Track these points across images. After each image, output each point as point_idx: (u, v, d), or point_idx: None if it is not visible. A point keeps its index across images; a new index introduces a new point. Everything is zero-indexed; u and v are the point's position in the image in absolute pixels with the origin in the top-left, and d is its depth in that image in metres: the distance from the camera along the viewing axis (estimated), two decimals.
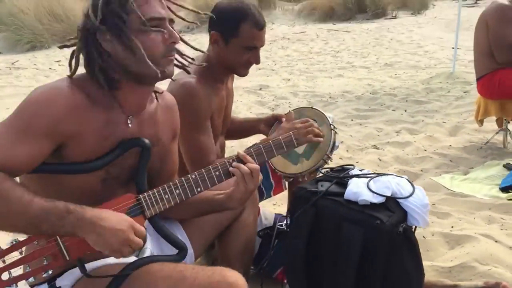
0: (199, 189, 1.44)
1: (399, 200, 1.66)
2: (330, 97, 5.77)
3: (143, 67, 1.31)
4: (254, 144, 1.62)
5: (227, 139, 2.38)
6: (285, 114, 2.17)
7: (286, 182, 2.41)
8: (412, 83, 6.30)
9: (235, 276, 1.36)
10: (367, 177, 1.75)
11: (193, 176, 1.43)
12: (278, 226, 2.08)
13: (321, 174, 1.92)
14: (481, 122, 3.93)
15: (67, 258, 1.26)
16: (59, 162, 1.30)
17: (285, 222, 2.10)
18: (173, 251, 1.49)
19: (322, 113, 2.12)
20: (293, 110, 2.18)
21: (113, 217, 1.24)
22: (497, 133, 3.92)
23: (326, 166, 2.09)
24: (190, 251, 1.71)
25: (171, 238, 1.48)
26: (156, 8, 1.32)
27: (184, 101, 1.90)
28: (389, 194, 1.65)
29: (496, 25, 3.48)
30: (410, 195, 1.66)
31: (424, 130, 4.38)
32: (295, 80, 6.82)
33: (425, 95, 5.64)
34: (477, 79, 3.78)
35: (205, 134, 1.98)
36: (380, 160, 3.68)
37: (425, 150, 3.88)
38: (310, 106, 2.20)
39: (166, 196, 1.40)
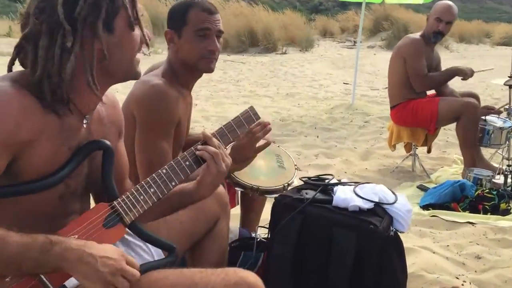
0: (173, 183, 1.36)
1: (386, 206, 1.72)
2: None
3: (126, 67, 1.26)
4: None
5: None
6: None
7: (239, 198, 2.39)
8: (315, 112, 6.61)
9: (253, 276, 1.28)
10: (351, 185, 1.80)
11: (164, 171, 1.35)
12: (262, 238, 2.03)
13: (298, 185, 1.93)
14: (394, 147, 4.25)
15: None
16: (13, 184, 1.13)
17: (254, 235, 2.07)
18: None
19: (285, 151, 2.27)
20: None
21: (101, 246, 1.12)
22: (406, 157, 4.25)
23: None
24: None
25: (156, 240, 1.38)
26: (138, 6, 1.27)
27: (152, 104, 1.83)
28: (377, 200, 1.71)
29: (411, 59, 3.83)
30: (395, 201, 1.73)
31: (339, 154, 4.61)
32: (202, 105, 6.81)
33: (331, 124, 5.96)
34: (391, 108, 4.10)
35: (167, 141, 1.89)
36: None
37: (345, 172, 4.07)
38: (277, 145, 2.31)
39: (142, 197, 1.30)
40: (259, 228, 2.17)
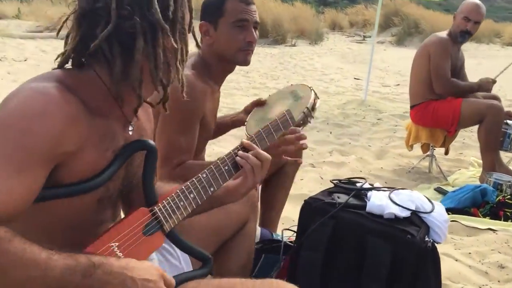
0: (212, 189, 1.27)
1: (423, 215, 1.63)
2: None
3: (176, 71, 1.20)
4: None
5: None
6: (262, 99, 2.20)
7: (259, 194, 2.31)
8: (327, 107, 6.51)
9: None
10: (385, 191, 1.71)
11: (204, 175, 1.26)
12: (288, 241, 1.95)
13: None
14: (411, 147, 4.15)
15: None
16: (58, 186, 1.05)
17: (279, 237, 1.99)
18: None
19: (299, 84, 2.17)
20: (271, 94, 2.25)
21: (141, 266, 1.04)
22: (423, 158, 4.15)
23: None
24: (190, 268, 1.51)
25: (193, 250, 1.29)
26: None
27: (178, 96, 1.74)
28: (413, 208, 1.62)
29: (436, 58, 3.71)
30: (432, 210, 1.64)
31: (353, 152, 4.51)
32: None
33: (343, 120, 5.86)
34: (411, 107, 3.99)
35: (188, 135, 1.81)
36: (322, 178, 3.70)
37: (360, 171, 3.98)
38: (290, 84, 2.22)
39: (182, 203, 1.21)
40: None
